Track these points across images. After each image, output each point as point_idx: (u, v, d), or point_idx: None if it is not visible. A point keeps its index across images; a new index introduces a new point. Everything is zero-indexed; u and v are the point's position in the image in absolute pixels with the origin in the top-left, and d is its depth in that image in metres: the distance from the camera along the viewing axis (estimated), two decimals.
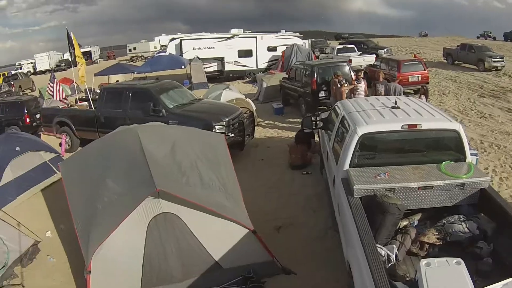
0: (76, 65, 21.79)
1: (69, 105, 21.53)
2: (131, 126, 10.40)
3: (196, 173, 8.24)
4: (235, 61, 39.16)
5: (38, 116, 23.67)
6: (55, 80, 20.74)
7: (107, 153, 9.10)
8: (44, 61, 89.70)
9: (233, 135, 14.43)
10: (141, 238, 7.51)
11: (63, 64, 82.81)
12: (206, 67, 37.67)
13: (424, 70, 24.39)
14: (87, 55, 68.22)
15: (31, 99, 25.92)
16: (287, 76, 25.20)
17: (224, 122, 14.42)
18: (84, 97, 23.74)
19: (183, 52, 39.41)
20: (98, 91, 22.78)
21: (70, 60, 60.16)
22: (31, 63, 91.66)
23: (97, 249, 7.17)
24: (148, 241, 7.54)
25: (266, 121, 20.74)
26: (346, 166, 7.89)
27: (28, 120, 23.40)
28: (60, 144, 18.19)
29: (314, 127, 12.39)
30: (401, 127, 7.83)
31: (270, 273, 7.96)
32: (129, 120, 15.45)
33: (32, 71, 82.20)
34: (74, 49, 20.96)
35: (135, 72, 35.71)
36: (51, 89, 20.77)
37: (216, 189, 8.22)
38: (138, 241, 7.51)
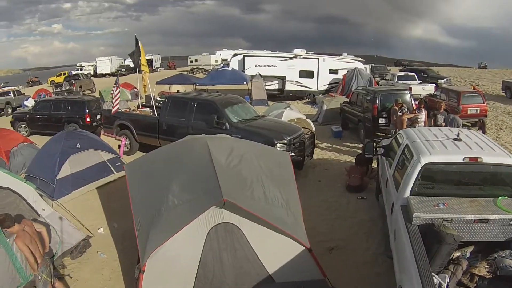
0: (140, 72, 22.35)
1: (130, 110, 22.17)
2: (200, 136, 10.65)
3: (260, 187, 8.31)
4: (296, 81, 39.11)
5: (98, 117, 24.44)
6: (117, 85, 21.14)
7: (175, 159, 9.29)
8: (105, 64, 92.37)
9: (293, 154, 14.35)
10: (199, 245, 7.67)
11: (124, 70, 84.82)
12: (267, 85, 37.80)
13: (483, 103, 23.80)
14: (148, 63, 70.41)
15: (93, 100, 26.82)
16: (348, 100, 25.30)
17: (286, 141, 14.51)
18: (145, 103, 24.32)
19: (245, 68, 39.68)
20: (159, 98, 23.21)
21: (131, 66, 61.08)
22: (92, 65, 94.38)
23: (154, 250, 7.33)
24: (205, 249, 7.70)
25: (325, 143, 20.71)
26: (407, 193, 7.98)
27: (88, 119, 24.27)
28: (119, 146, 18.92)
29: (374, 153, 12.59)
30: (463, 159, 7.94)
31: None
32: (191, 130, 15.83)
33: (92, 73, 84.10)
34: (140, 56, 21.47)
35: (197, 84, 36.10)
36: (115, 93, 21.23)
37: (278, 205, 8.26)
38: (196, 248, 7.68)
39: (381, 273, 9.09)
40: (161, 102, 21.99)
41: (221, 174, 7.92)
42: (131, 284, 8.98)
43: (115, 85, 20.92)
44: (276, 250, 7.88)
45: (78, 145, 15.02)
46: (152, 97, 21.71)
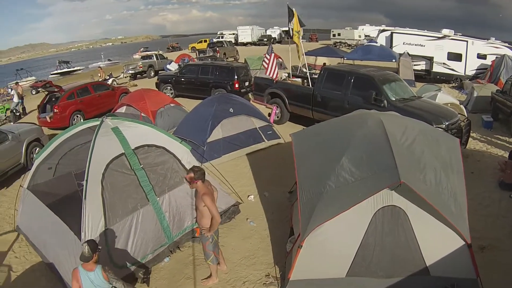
0: (293, 43, 22.03)
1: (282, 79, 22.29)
2: (371, 111, 10.36)
3: (432, 171, 7.88)
4: (443, 63, 37.46)
5: (246, 83, 25.21)
6: (272, 54, 21.13)
7: (346, 133, 9.01)
8: (246, 34, 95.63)
9: None
10: (363, 226, 7.49)
11: (265, 40, 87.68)
12: (415, 65, 36.68)
13: None
14: (288, 35, 71.36)
15: (241, 67, 27.40)
16: (500, 89, 24.22)
17: (444, 125, 14.02)
18: (295, 74, 24.25)
19: (393, 45, 38.93)
20: (304, 70, 23.54)
21: (272, 36, 62.16)
22: (233, 34, 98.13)
23: (318, 226, 7.25)
24: (369, 231, 7.50)
25: (475, 133, 19.78)
26: None
27: (237, 85, 24.90)
28: (269, 114, 19.19)
29: None
30: None
31: None
32: (347, 105, 15.90)
33: (233, 42, 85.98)
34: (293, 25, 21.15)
35: (345, 58, 36.08)
36: (267, 61, 21.52)
37: (447, 193, 7.80)
38: (360, 229, 7.50)
39: None
40: (306, 74, 21.97)
41: (397, 153, 7.62)
42: (279, 256, 9.17)
43: (267, 54, 21.32)
44: (437, 241, 7.58)
45: (231, 110, 15.50)
46: (305, 68, 22.01)
